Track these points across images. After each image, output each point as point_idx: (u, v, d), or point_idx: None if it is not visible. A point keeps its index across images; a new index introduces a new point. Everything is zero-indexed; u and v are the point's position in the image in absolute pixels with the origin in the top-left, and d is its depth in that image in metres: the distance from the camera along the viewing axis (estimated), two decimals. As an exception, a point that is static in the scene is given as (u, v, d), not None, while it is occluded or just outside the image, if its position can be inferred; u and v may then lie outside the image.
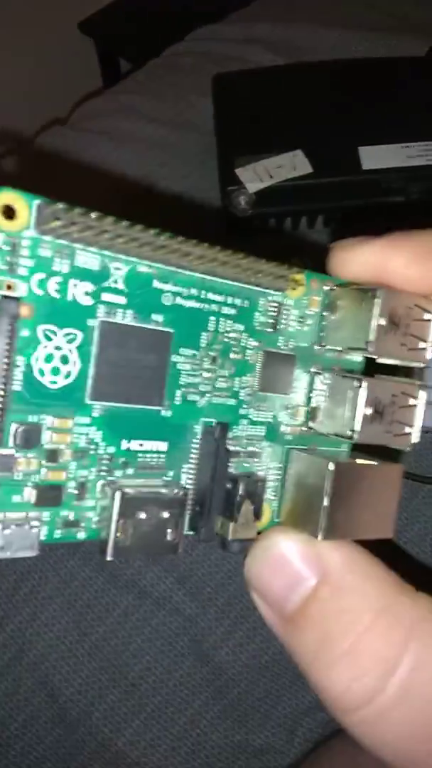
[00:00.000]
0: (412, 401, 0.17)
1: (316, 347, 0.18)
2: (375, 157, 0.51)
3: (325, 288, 0.18)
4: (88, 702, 0.41)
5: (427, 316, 0.17)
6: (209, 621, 0.43)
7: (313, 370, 0.18)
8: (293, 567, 0.15)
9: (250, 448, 0.17)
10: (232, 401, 0.16)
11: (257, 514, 0.16)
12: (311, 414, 0.18)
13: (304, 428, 0.18)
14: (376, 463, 0.17)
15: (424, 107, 0.54)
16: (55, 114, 0.75)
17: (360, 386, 0.16)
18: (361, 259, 0.17)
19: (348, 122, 0.53)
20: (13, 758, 0.41)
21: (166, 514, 0.14)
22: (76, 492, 0.14)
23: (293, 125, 0.53)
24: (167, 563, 0.43)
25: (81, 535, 0.14)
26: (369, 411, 0.16)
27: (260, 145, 0.52)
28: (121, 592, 0.43)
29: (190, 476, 0.16)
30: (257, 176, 0.50)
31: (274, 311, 0.17)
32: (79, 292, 0.14)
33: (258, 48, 0.65)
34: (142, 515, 0.14)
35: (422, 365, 0.18)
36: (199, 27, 0.70)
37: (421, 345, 0.17)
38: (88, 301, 0.14)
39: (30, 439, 0.13)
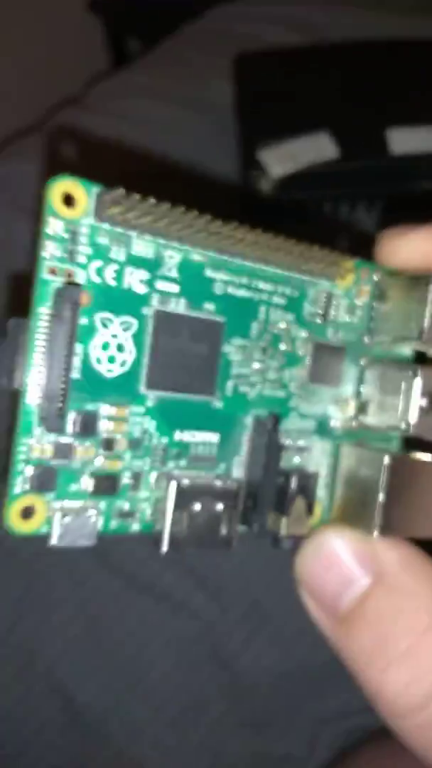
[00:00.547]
0: None
1: (365, 339, 0.17)
2: (403, 140, 0.49)
3: (375, 278, 0.17)
4: (104, 709, 0.40)
5: None
6: (229, 626, 0.41)
7: (363, 362, 0.17)
8: (347, 565, 0.14)
9: (300, 443, 0.16)
10: (281, 393, 0.16)
11: (309, 510, 0.15)
12: (362, 407, 0.17)
13: (354, 423, 0.17)
14: (430, 459, 0.16)
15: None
16: (64, 94, 0.72)
17: (416, 376, 0.15)
18: (411, 246, 0.16)
19: (374, 105, 0.50)
20: (27, 765, 0.39)
21: (220, 507, 0.14)
22: (131, 482, 0.14)
23: (318, 108, 0.51)
24: (185, 567, 0.41)
25: (135, 527, 0.14)
26: (425, 402, 0.15)
27: (284, 128, 0.49)
28: (138, 595, 0.41)
29: (242, 469, 0.15)
30: (281, 160, 0.47)
31: (324, 301, 0.17)
32: (135, 280, 0.14)
33: (275, 27, 0.62)
34: (197, 507, 0.14)
35: None
36: (214, 6, 0.67)
37: None
38: (143, 289, 0.14)
39: (87, 427, 0.13)
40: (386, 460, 0.15)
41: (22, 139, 0.58)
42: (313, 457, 0.16)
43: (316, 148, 0.48)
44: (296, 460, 0.16)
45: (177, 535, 0.14)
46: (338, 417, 0.17)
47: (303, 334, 0.16)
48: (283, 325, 0.16)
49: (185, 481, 0.14)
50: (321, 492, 0.16)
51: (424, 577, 0.14)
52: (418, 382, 0.15)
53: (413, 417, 0.15)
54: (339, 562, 0.15)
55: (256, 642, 0.41)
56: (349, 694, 0.40)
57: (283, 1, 0.64)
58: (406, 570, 0.14)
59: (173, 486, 0.14)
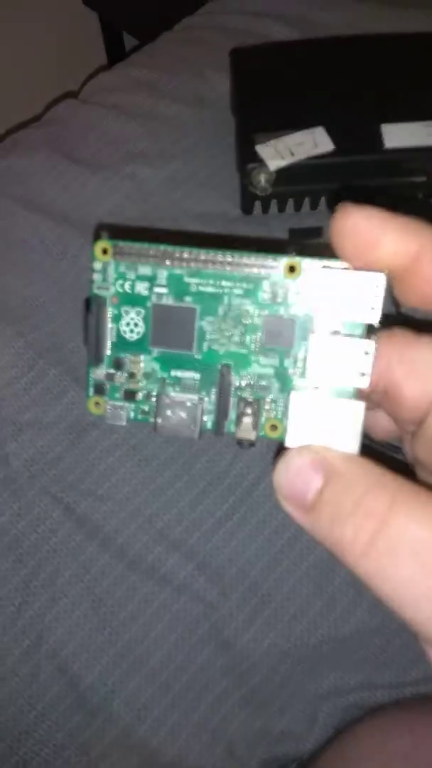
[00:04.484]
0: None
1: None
2: (397, 135, 0.50)
3: (324, 266, 0.23)
4: (109, 689, 0.41)
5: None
6: (230, 607, 0.42)
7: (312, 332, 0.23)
8: (307, 471, 0.20)
9: (262, 383, 0.24)
10: (244, 351, 0.24)
11: (255, 425, 0.23)
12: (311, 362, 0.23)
13: (306, 375, 0.23)
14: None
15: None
16: (61, 90, 0.72)
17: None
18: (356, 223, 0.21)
19: (370, 99, 0.52)
20: (32, 746, 0.40)
21: (183, 414, 0.24)
22: (146, 397, 0.24)
23: (314, 101, 0.52)
24: (186, 549, 0.42)
25: (150, 419, 0.24)
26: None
27: (281, 122, 0.50)
28: (141, 578, 0.42)
29: (214, 395, 0.24)
30: (278, 153, 0.48)
31: (273, 290, 0.23)
32: (141, 288, 0.24)
33: (273, 22, 0.63)
34: (169, 412, 0.24)
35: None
36: (209, 0, 0.68)
37: None
38: (145, 292, 0.24)
39: (120, 365, 0.24)
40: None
41: (21, 133, 0.58)
42: (272, 391, 0.23)
43: (313, 142, 0.49)
44: (259, 393, 0.23)
45: (160, 427, 0.23)
46: (291, 366, 0.23)
47: (258, 312, 0.23)
48: (243, 308, 0.23)
49: (164, 397, 0.24)
50: (279, 414, 0.23)
51: (361, 467, 0.20)
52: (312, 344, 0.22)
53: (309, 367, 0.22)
54: (301, 471, 0.20)
55: (255, 623, 0.42)
56: (345, 673, 0.41)
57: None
58: (348, 465, 0.20)
59: (154, 400, 0.24)
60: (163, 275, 0.23)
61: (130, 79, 0.61)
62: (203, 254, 0.23)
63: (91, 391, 0.24)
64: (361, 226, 0.21)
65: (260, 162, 0.49)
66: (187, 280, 0.23)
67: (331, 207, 0.52)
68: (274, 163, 0.48)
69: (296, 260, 0.23)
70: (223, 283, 0.23)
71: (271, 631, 0.42)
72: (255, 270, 0.23)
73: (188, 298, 0.23)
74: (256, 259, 0.23)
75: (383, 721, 0.39)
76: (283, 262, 0.23)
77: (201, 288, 0.23)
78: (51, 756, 0.41)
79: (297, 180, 0.50)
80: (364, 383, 0.22)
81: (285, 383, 0.23)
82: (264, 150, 0.49)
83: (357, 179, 0.50)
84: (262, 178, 0.49)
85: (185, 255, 0.23)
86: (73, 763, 0.41)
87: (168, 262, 0.23)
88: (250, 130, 0.50)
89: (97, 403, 0.24)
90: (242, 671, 0.42)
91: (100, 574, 0.42)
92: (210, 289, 0.23)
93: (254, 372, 0.24)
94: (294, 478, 0.20)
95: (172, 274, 0.23)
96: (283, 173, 0.49)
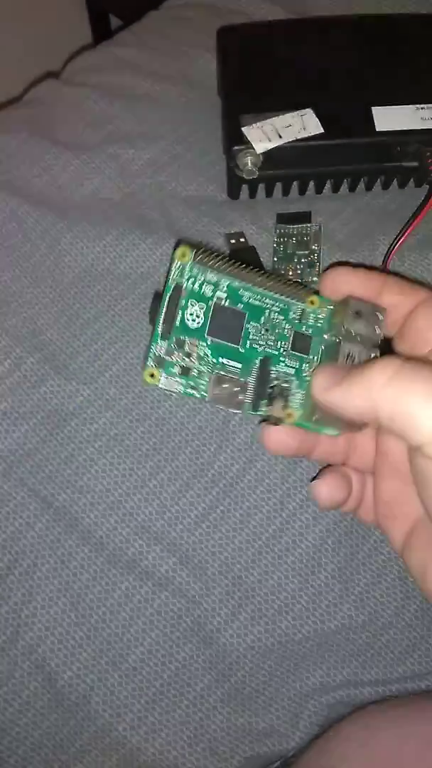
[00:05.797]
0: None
1: (325, 335, 0.31)
2: (389, 118, 0.48)
3: (331, 306, 0.31)
4: (87, 686, 0.40)
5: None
6: (213, 603, 0.41)
7: (322, 346, 0.31)
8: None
9: (287, 379, 0.30)
10: (276, 352, 0.30)
11: (285, 407, 0.30)
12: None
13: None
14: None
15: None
16: (44, 70, 0.71)
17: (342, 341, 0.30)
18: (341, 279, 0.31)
19: (361, 81, 0.50)
20: (9, 744, 0.39)
21: (236, 389, 0.29)
22: (197, 373, 0.29)
23: (303, 82, 0.50)
24: (168, 543, 0.41)
25: (197, 395, 0.29)
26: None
27: (268, 103, 0.49)
28: (121, 573, 0.41)
29: (251, 380, 0.30)
30: (265, 136, 0.47)
31: (300, 313, 0.31)
32: (206, 289, 0.29)
33: (262, 1, 0.61)
34: (225, 385, 0.29)
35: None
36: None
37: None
38: (209, 293, 0.29)
39: (180, 344, 0.28)
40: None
41: (1, 114, 0.57)
42: (293, 387, 0.30)
43: (300, 124, 0.48)
44: (285, 386, 0.30)
45: (214, 396, 0.29)
46: (307, 368, 0.31)
47: (288, 326, 0.30)
48: (278, 320, 0.30)
49: (217, 374, 0.29)
50: (297, 405, 0.30)
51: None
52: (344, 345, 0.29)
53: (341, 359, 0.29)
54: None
55: (239, 618, 0.41)
56: (330, 669, 0.40)
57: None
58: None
59: (213, 377, 0.29)
60: (225, 284, 0.29)
61: (114, 58, 0.59)
62: (258, 278, 0.29)
63: (151, 362, 0.28)
64: (360, 288, 0.29)
65: (247, 144, 0.47)
66: (241, 292, 0.30)
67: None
68: (261, 146, 0.47)
69: (316, 297, 0.31)
70: (267, 300, 0.30)
71: (254, 626, 0.41)
72: (289, 297, 0.30)
73: (240, 306, 0.29)
74: (291, 289, 0.30)
75: (368, 719, 0.39)
76: (308, 295, 0.30)
77: (251, 300, 0.30)
78: (28, 754, 0.40)
79: (285, 163, 0.48)
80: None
81: (301, 381, 0.30)
82: (251, 132, 0.48)
83: (347, 163, 0.49)
84: (249, 161, 0.47)
85: (245, 275, 0.29)
86: (51, 761, 0.40)
87: (231, 275, 0.29)
88: (236, 111, 0.49)
89: (152, 375, 0.28)
90: (225, 667, 0.41)
91: (79, 568, 0.41)
92: (257, 303, 0.30)
93: (282, 369, 0.30)
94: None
95: (232, 286, 0.29)
96: (270, 156, 0.47)
